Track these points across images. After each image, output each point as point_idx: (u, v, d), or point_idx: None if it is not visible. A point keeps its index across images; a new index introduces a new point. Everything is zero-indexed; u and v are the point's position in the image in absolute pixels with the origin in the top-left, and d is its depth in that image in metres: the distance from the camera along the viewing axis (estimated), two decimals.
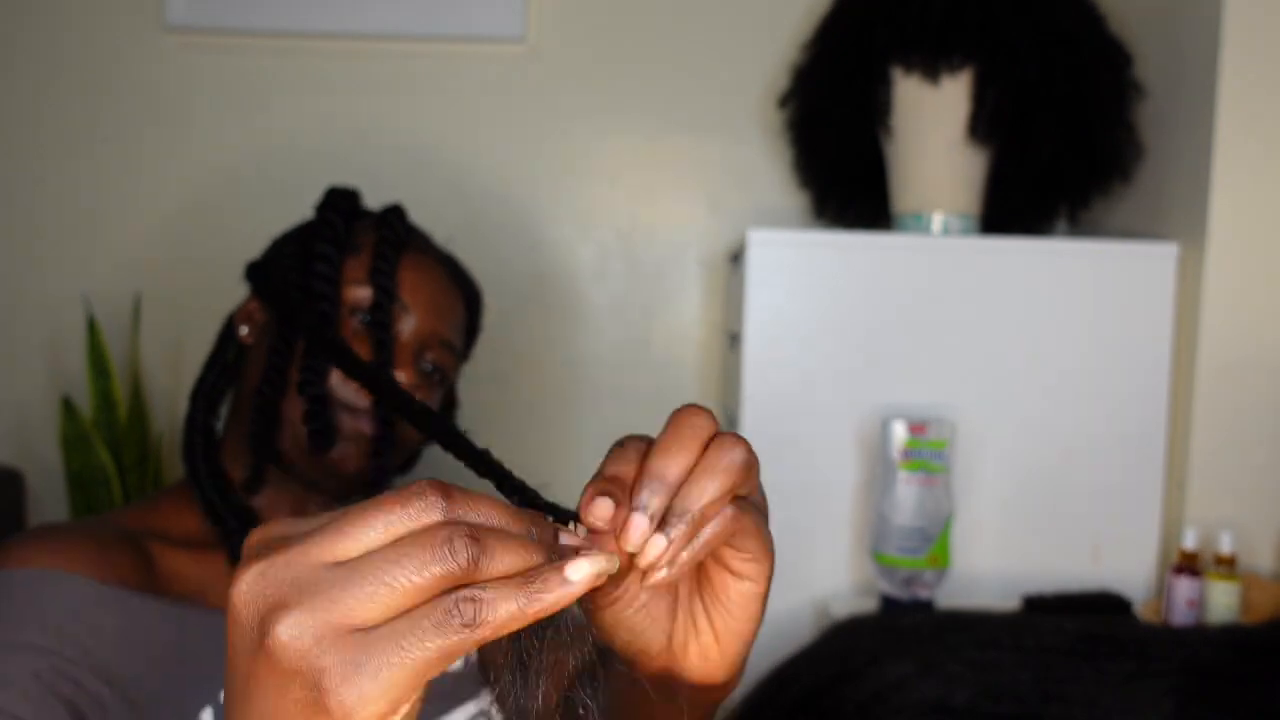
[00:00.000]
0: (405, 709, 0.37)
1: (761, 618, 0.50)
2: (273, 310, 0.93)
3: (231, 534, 0.87)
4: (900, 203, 1.63)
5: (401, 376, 0.92)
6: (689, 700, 0.52)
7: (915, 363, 1.48)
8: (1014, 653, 1.17)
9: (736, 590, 0.48)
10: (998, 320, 1.48)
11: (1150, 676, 1.12)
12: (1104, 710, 1.10)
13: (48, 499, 1.87)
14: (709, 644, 0.50)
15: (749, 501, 0.47)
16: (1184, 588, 1.31)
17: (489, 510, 0.39)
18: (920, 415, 1.42)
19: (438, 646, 0.36)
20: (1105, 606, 1.37)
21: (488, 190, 1.91)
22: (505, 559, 0.38)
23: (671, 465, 0.44)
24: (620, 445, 0.46)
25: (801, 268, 1.49)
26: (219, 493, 0.89)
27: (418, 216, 1.07)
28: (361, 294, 0.92)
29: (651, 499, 0.43)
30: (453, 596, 0.36)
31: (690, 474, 0.44)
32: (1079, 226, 1.79)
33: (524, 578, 0.37)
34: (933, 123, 1.58)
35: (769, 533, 0.48)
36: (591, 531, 0.43)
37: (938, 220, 1.59)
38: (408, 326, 0.94)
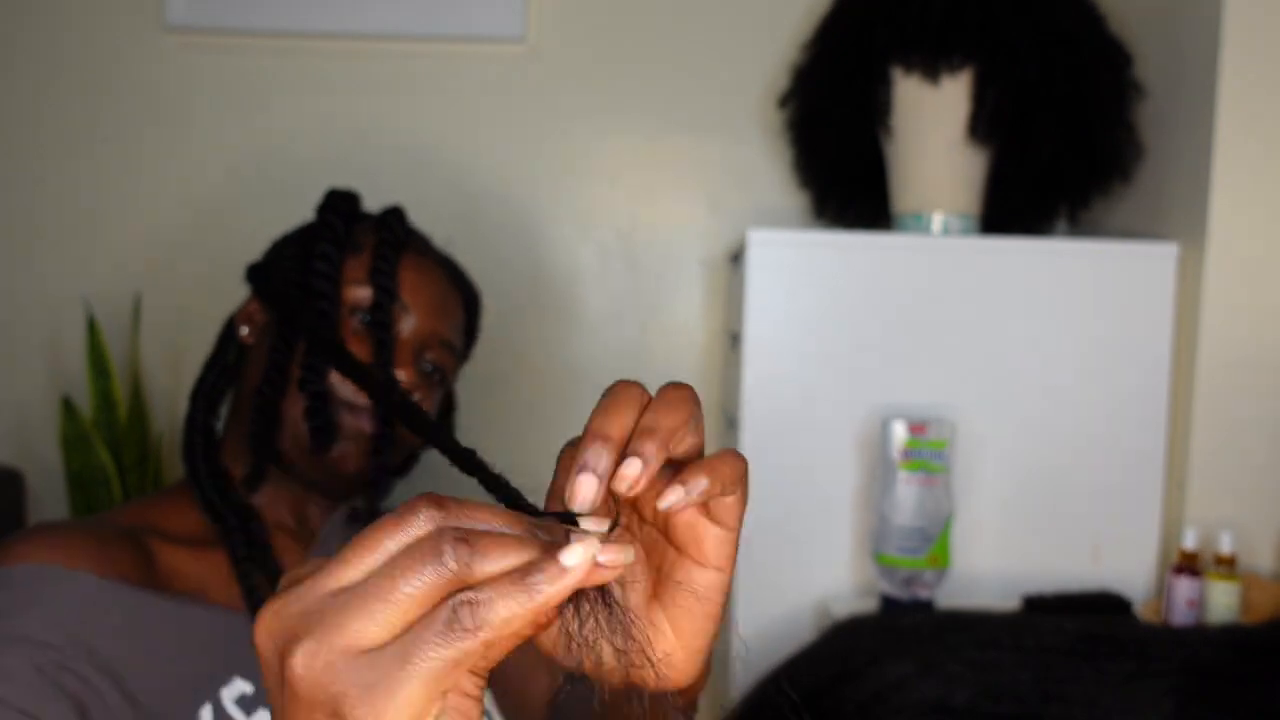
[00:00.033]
0: (430, 718, 0.37)
1: (721, 615, 0.49)
2: (273, 311, 0.94)
3: (231, 531, 0.87)
4: (900, 203, 1.63)
5: (402, 376, 0.92)
6: (653, 707, 0.51)
7: (915, 363, 1.48)
8: (1014, 653, 1.17)
9: (701, 580, 0.47)
10: (998, 320, 1.48)
11: (1150, 676, 1.12)
12: (1104, 710, 1.10)
13: (48, 499, 1.87)
14: (671, 648, 0.49)
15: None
16: (1184, 588, 1.31)
17: (486, 516, 0.39)
18: (920, 415, 1.42)
19: (444, 655, 0.36)
20: (1105, 606, 1.37)
21: (488, 190, 1.91)
22: (499, 557, 0.38)
23: (612, 423, 0.43)
24: (570, 444, 0.47)
25: (801, 268, 1.49)
26: (219, 491, 0.90)
27: (418, 216, 1.07)
28: (362, 294, 0.93)
29: (598, 460, 0.42)
30: (450, 602, 0.37)
31: (638, 423, 0.44)
32: (1079, 226, 1.79)
33: (521, 573, 0.37)
34: (933, 123, 1.58)
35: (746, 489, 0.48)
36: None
37: (938, 220, 1.59)
38: (408, 326, 0.94)
